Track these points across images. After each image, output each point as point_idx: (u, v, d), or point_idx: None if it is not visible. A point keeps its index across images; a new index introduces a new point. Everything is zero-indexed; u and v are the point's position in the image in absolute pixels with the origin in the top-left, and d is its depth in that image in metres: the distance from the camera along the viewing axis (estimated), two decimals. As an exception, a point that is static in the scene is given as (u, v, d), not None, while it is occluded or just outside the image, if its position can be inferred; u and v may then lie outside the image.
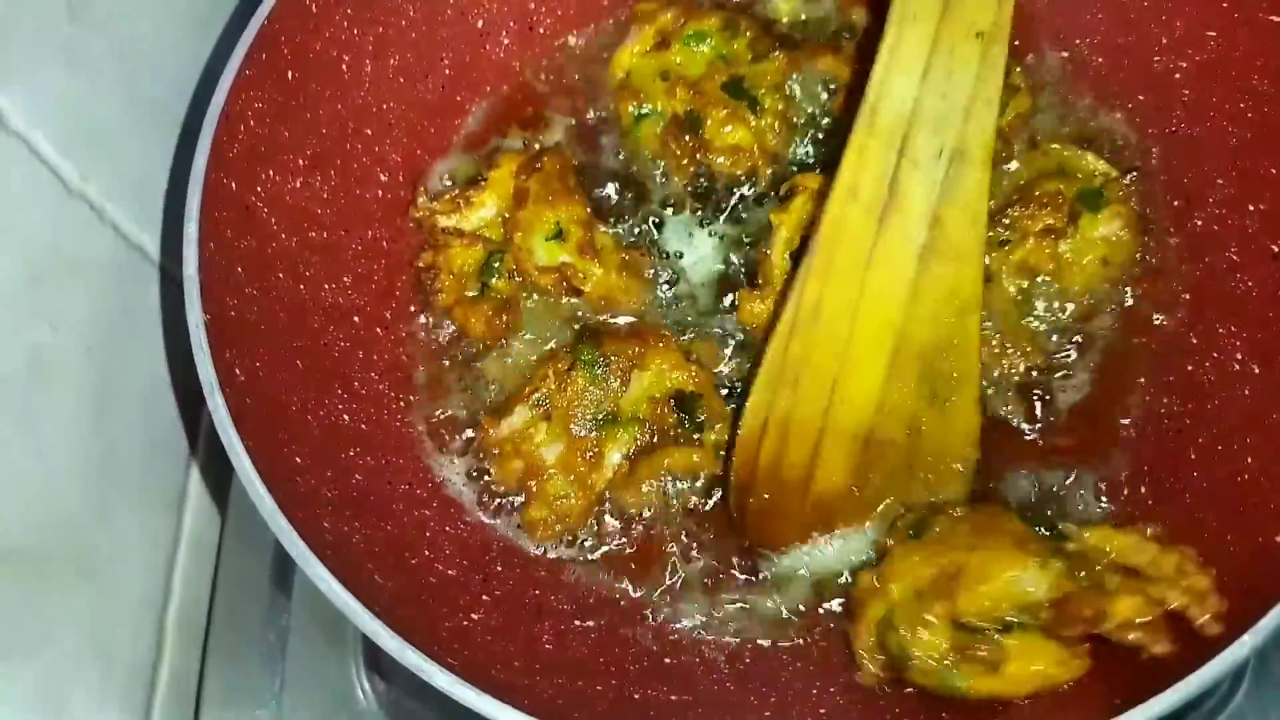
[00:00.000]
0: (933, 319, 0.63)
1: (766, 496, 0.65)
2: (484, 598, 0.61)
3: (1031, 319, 0.71)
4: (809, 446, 0.65)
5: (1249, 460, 0.59)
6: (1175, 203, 0.71)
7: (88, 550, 0.66)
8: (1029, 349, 0.70)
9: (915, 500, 0.65)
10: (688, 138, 0.75)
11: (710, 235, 0.76)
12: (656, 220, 0.76)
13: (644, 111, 0.77)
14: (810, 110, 0.77)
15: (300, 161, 0.68)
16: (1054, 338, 0.70)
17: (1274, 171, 0.65)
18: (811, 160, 0.77)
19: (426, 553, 0.62)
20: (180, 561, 0.75)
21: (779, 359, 0.64)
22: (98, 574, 0.66)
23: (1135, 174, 0.71)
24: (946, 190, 0.62)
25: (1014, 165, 0.73)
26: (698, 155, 0.75)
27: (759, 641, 0.64)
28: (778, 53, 0.76)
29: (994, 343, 0.69)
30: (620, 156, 0.79)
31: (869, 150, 0.63)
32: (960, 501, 0.64)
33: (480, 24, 0.79)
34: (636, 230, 0.76)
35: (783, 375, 0.64)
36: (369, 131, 0.73)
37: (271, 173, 0.65)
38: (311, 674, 0.73)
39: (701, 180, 0.76)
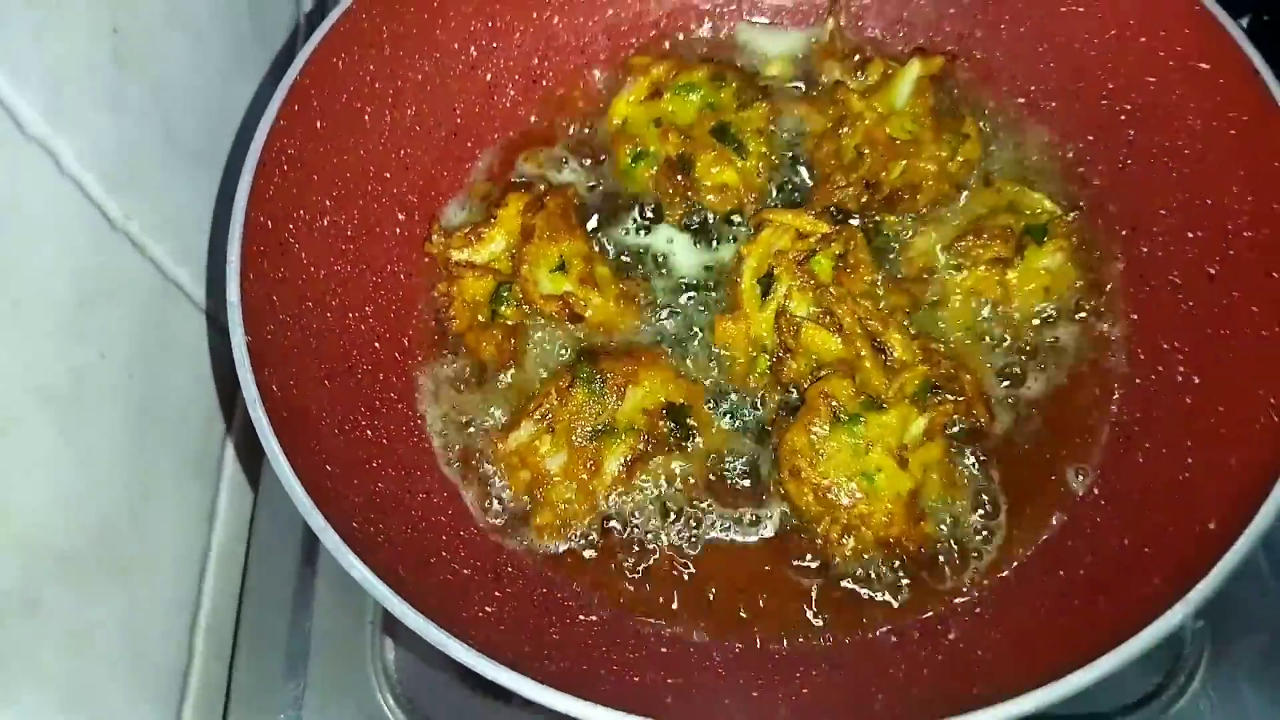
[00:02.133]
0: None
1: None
2: (496, 594, 0.67)
3: (986, 338, 0.78)
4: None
5: (1189, 460, 0.65)
6: (1123, 232, 0.78)
7: (125, 556, 0.71)
8: (986, 359, 0.76)
9: None
10: (680, 177, 0.82)
11: (697, 263, 0.83)
12: (651, 251, 0.84)
13: (639, 154, 0.84)
14: (788, 154, 0.85)
15: (327, 202, 0.75)
16: (1008, 356, 0.77)
17: (1209, 202, 0.72)
18: (791, 197, 0.84)
19: (444, 554, 0.68)
20: (210, 570, 0.80)
21: None
22: (133, 579, 0.71)
23: (1078, 212, 0.78)
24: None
25: (961, 203, 0.80)
26: (689, 193, 0.83)
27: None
28: (761, 102, 0.83)
29: (944, 365, 0.74)
30: (618, 196, 0.86)
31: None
32: None
33: (489, 78, 0.87)
34: (633, 258, 0.83)
35: None
36: (388, 175, 0.80)
37: (302, 212, 0.72)
38: (333, 681, 0.78)
39: (693, 215, 0.83)
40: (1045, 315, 0.78)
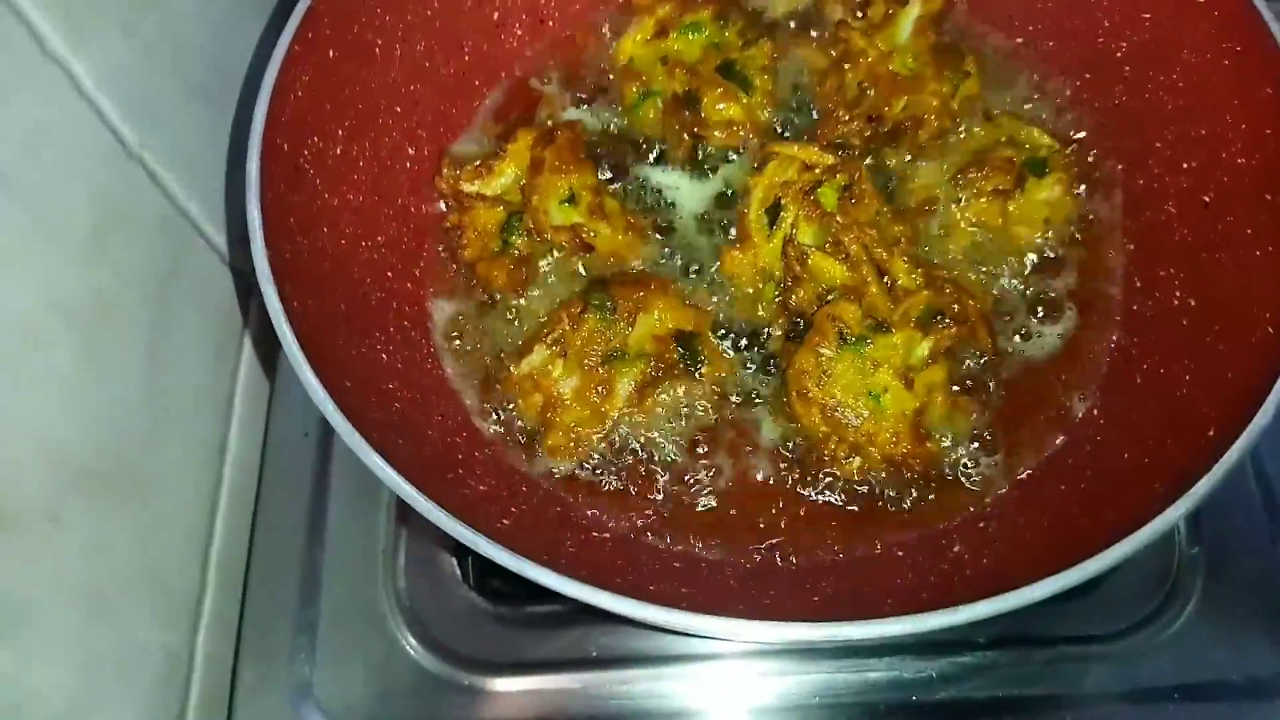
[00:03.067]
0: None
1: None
2: (512, 509, 0.68)
3: (988, 267, 0.80)
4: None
5: (1186, 378, 0.68)
6: (1119, 166, 0.80)
7: (141, 476, 0.72)
8: (981, 292, 0.78)
9: None
10: (686, 114, 0.83)
11: (705, 196, 0.84)
12: (656, 185, 0.85)
13: (646, 92, 0.85)
14: (793, 90, 0.86)
15: (340, 131, 0.75)
16: (1009, 283, 0.79)
17: (1203, 133, 0.74)
18: (788, 133, 0.86)
19: (460, 471, 0.69)
20: (223, 498, 0.81)
21: None
22: (149, 499, 0.72)
23: (1075, 146, 0.80)
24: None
25: (962, 137, 0.82)
26: (695, 129, 0.84)
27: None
28: (765, 40, 0.85)
29: (948, 291, 0.76)
30: (625, 132, 0.87)
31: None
32: None
33: (496, 16, 0.87)
34: (640, 193, 0.84)
35: None
36: (398, 109, 0.81)
37: (316, 139, 0.73)
38: (346, 609, 0.79)
39: (700, 150, 0.85)
40: (1046, 245, 0.80)
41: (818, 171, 0.76)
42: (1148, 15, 0.78)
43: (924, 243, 0.79)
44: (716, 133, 0.84)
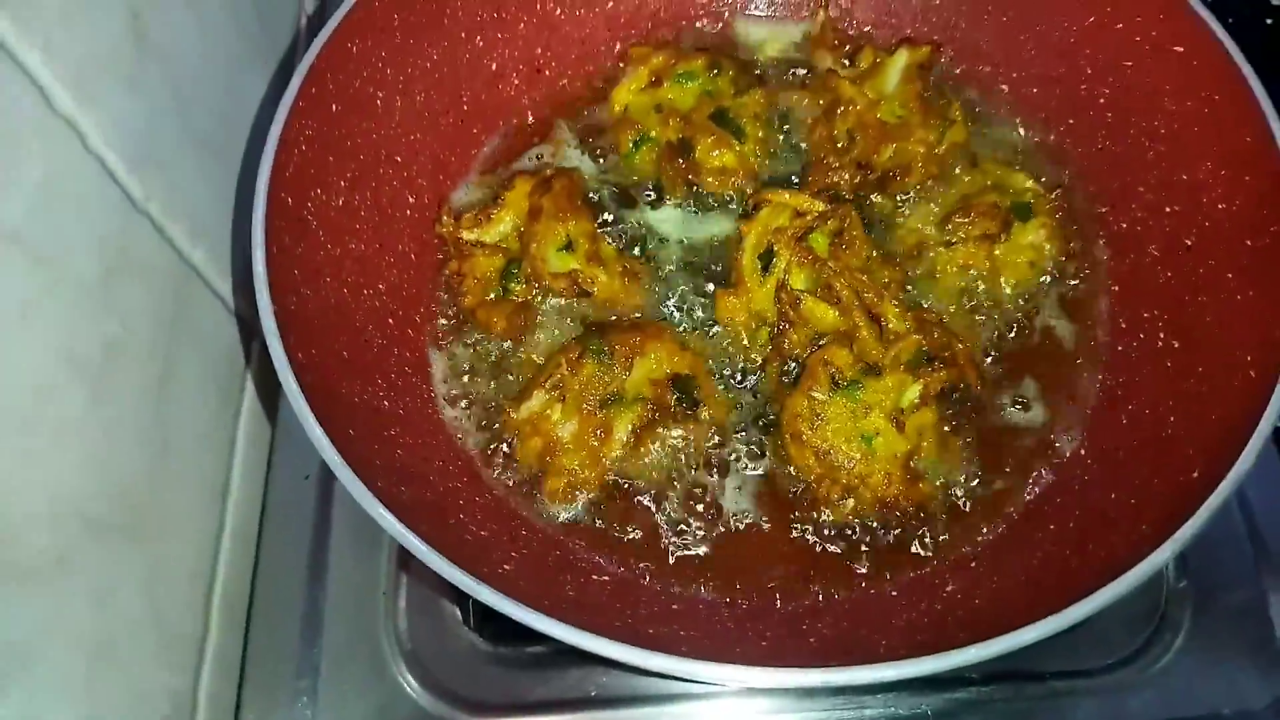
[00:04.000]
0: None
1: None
2: (513, 554, 0.69)
3: (976, 311, 0.82)
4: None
5: (1171, 419, 0.69)
6: (1103, 209, 0.82)
7: (145, 523, 0.72)
8: (975, 329, 0.80)
9: None
10: (681, 160, 0.85)
11: (699, 242, 0.86)
12: (652, 231, 0.87)
13: (641, 139, 0.87)
14: (784, 137, 0.88)
15: (342, 182, 0.77)
16: (997, 326, 0.81)
17: (1184, 178, 0.76)
18: (787, 179, 0.88)
19: (461, 516, 0.70)
20: (225, 543, 0.82)
21: None
22: (153, 545, 0.73)
23: (1060, 191, 0.82)
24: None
25: (949, 183, 0.84)
26: (690, 175, 0.86)
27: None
28: (757, 88, 0.87)
29: (937, 335, 0.77)
30: (621, 180, 0.89)
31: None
32: None
33: (494, 67, 0.90)
34: (636, 239, 0.86)
35: None
36: (399, 158, 0.83)
37: (319, 191, 0.75)
38: (347, 650, 0.80)
39: (694, 197, 0.87)
40: (1032, 288, 0.82)
41: (809, 218, 0.78)
42: (1129, 63, 0.80)
43: (913, 286, 0.81)
44: (710, 179, 0.86)
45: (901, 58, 0.84)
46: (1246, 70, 0.70)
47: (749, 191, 0.86)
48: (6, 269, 0.59)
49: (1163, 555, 0.56)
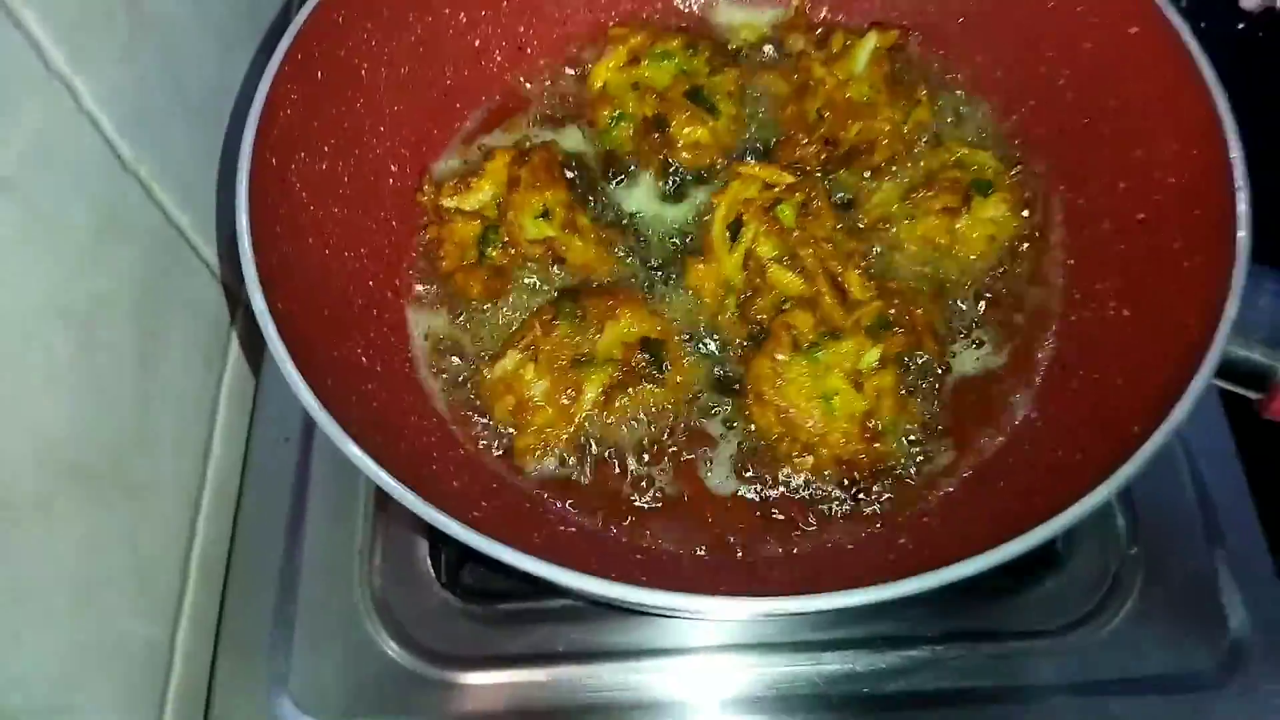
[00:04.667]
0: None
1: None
2: (484, 504, 0.72)
3: (937, 281, 0.84)
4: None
5: (1119, 382, 0.72)
6: (1061, 185, 0.85)
7: (130, 475, 0.75)
8: (930, 304, 0.83)
9: None
10: (656, 136, 0.88)
11: (671, 213, 0.89)
12: (627, 202, 0.90)
13: (618, 115, 0.90)
14: (756, 114, 0.91)
15: (325, 148, 0.79)
16: (956, 296, 0.84)
17: (1138, 155, 0.78)
18: (751, 155, 0.90)
19: (434, 468, 0.72)
20: (206, 500, 0.85)
21: None
22: (136, 497, 0.76)
23: (1020, 168, 0.85)
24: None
25: (914, 160, 0.87)
26: (664, 150, 0.88)
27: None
28: (731, 67, 0.90)
29: (898, 302, 0.80)
30: (598, 153, 0.92)
31: None
32: None
33: (477, 43, 0.92)
34: (612, 209, 0.89)
35: None
36: (382, 128, 0.85)
37: (303, 155, 0.77)
38: (322, 607, 0.82)
39: (668, 170, 0.89)
40: (992, 260, 0.84)
41: (777, 190, 0.80)
42: (1088, 45, 0.83)
43: (878, 257, 0.84)
44: (684, 154, 0.88)
45: (870, 40, 0.87)
46: (1195, 50, 0.73)
47: (721, 165, 0.88)
48: (4, 220, 0.62)
49: (1098, 497, 0.59)
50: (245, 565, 0.84)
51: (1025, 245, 0.85)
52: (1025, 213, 0.85)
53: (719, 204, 0.82)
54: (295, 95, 0.76)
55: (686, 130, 0.88)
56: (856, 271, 0.78)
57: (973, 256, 0.84)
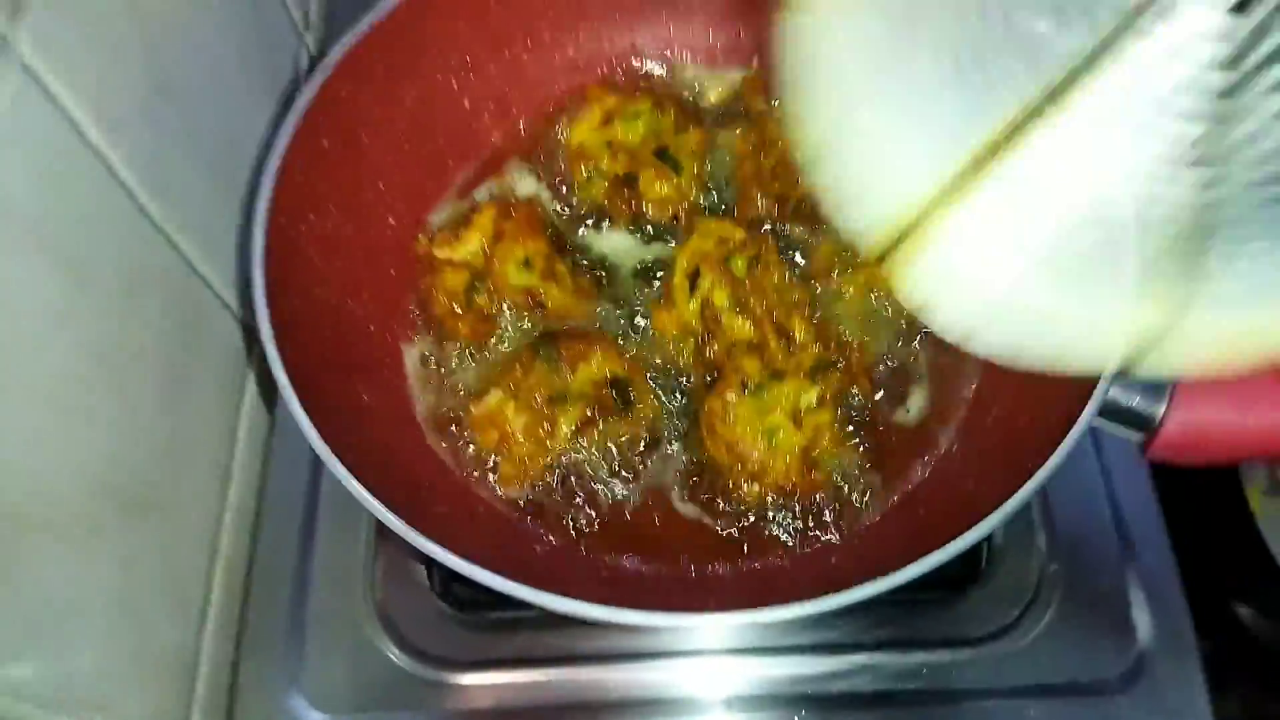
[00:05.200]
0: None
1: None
2: (469, 528, 0.82)
3: (875, 325, 0.94)
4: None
5: (1027, 418, 0.81)
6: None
7: (162, 496, 0.83)
8: (867, 346, 0.93)
9: None
10: (627, 191, 0.97)
11: (640, 259, 0.98)
12: (601, 252, 0.99)
13: (593, 171, 0.99)
14: (718, 171, 1.00)
15: (331, 208, 0.89)
16: (891, 339, 0.93)
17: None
18: (719, 208, 1.00)
19: (425, 494, 0.83)
20: (228, 517, 0.94)
21: None
22: (168, 516, 0.84)
23: None
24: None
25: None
26: (634, 204, 0.98)
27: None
28: (695, 128, 0.99)
29: (835, 347, 0.90)
30: (575, 206, 1.02)
31: None
32: None
33: (466, 105, 1.02)
34: (587, 259, 0.99)
35: None
36: (381, 186, 0.95)
37: (311, 216, 0.87)
38: (332, 616, 0.92)
39: (638, 222, 0.99)
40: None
41: (731, 244, 0.90)
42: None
43: (823, 304, 0.93)
44: (652, 208, 0.98)
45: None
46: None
47: (684, 218, 0.98)
48: (47, 282, 0.71)
49: (991, 523, 0.68)
50: (263, 576, 0.94)
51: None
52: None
53: (680, 256, 0.91)
54: (303, 163, 0.85)
55: (654, 186, 0.97)
56: (800, 319, 0.87)
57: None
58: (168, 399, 0.86)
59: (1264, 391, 0.70)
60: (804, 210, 0.95)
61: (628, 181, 0.98)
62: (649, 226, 0.99)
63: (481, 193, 1.03)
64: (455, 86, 1.00)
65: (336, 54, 0.89)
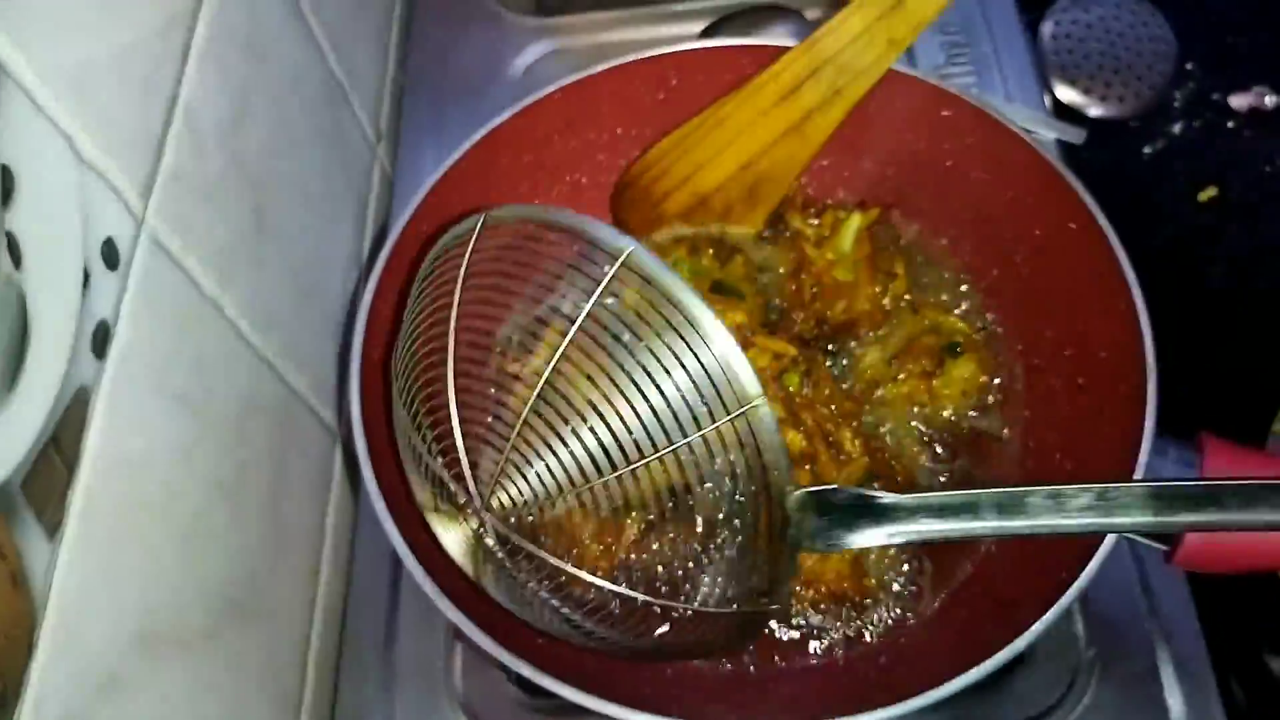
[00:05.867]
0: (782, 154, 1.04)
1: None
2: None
3: (918, 435, 1.01)
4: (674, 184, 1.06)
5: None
6: (1019, 347, 1.01)
7: (266, 601, 0.93)
8: (916, 449, 0.99)
9: None
10: None
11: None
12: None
13: None
14: (767, 289, 1.07)
15: (407, 339, 0.98)
16: (933, 448, 1.00)
17: (1079, 329, 0.94)
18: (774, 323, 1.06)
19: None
20: (318, 614, 1.04)
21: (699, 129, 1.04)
22: (270, 618, 0.93)
23: (984, 332, 1.01)
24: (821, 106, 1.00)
25: (895, 327, 1.03)
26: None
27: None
28: (737, 255, 1.05)
29: (881, 458, 0.97)
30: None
31: (798, 62, 0.98)
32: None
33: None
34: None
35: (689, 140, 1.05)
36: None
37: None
38: (414, 702, 1.01)
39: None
40: (964, 413, 1.01)
41: (785, 360, 0.98)
42: (1038, 231, 0.99)
43: (870, 415, 1.00)
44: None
45: (855, 220, 1.04)
46: (1120, 253, 0.89)
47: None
48: (177, 425, 0.80)
49: (1024, 641, 0.75)
50: (352, 666, 1.03)
51: (992, 400, 1.01)
52: (992, 372, 1.01)
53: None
54: (384, 306, 0.94)
55: (726, 317, 1.01)
56: (849, 432, 0.94)
57: (949, 410, 1.00)
58: (271, 508, 0.96)
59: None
60: (843, 330, 1.02)
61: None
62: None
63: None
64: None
65: (419, 195, 0.98)
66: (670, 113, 1.10)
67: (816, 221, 1.07)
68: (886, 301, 1.03)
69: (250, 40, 0.98)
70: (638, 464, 0.76)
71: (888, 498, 0.74)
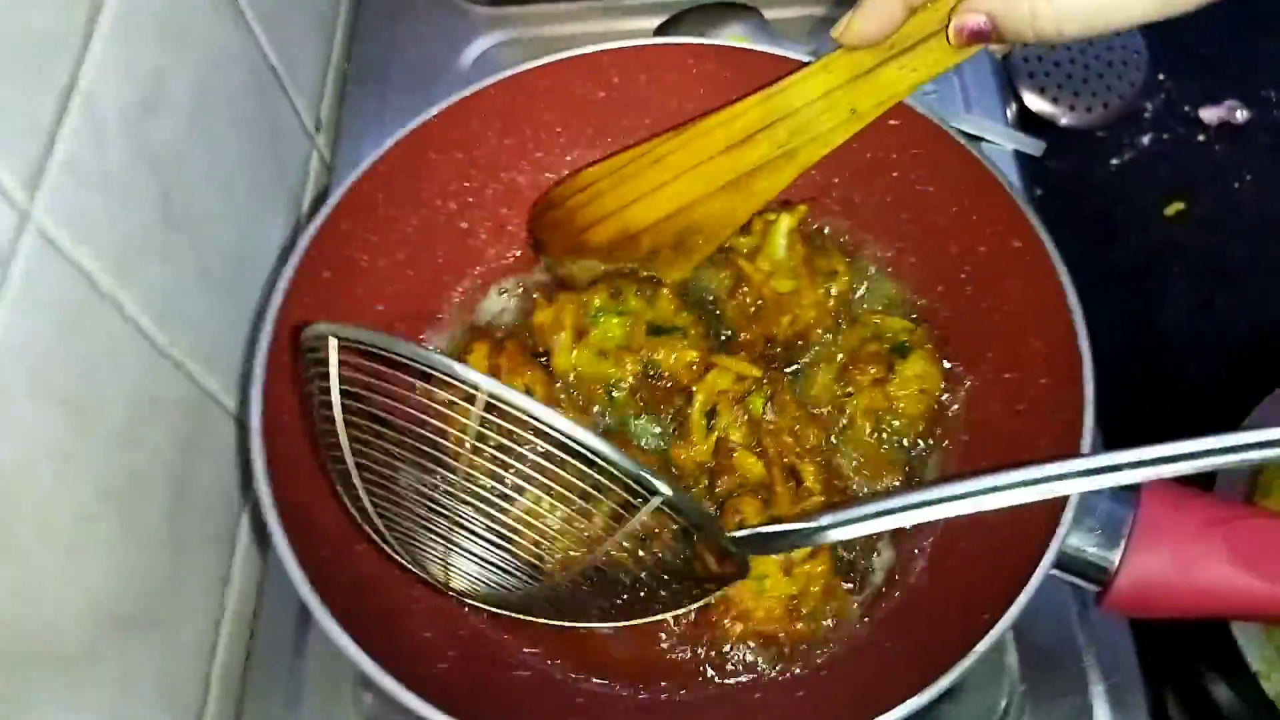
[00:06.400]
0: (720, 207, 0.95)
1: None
2: (450, 653, 0.84)
3: (884, 447, 0.97)
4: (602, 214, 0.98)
5: (991, 561, 0.84)
6: (959, 368, 0.98)
7: (164, 615, 0.87)
8: (888, 469, 0.96)
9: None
10: (653, 381, 0.95)
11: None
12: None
13: (611, 388, 0.96)
14: (712, 310, 1.02)
15: (331, 335, 0.94)
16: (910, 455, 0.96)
17: (1020, 352, 0.91)
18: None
19: (411, 621, 0.86)
20: (225, 627, 0.99)
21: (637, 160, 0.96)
22: (169, 632, 0.88)
23: (926, 325, 0.98)
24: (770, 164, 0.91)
25: (839, 340, 1.00)
26: (669, 385, 0.96)
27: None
28: (661, 288, 0.97)
29: (865, 471, 0.94)
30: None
31: (752, 112, 0.91)
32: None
33: (464, 225, 1.05)
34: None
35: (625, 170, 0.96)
36: (379, 308, 0.99)
37: (310, 346, 0.91)
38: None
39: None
40: (928, 413, 0.97)
41: (748, 382, 0.93)
42: (983, 249, 0.95)
43: (836, 439, 0.96)
44: (684, 378, 0.96)
45: (783, 222, 0.99)
46: (1063, 272, 0.85)
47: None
48: (53, 427, 0.75)
49: (948, 680, 0.71)
50: (259, 680, 0.98)
51: (938, 418, 0.97)
52: (946, 363, 0.97)
53: (698, 394, 0.93)
54: (306, 299, 0.89)
55: (674, 359, 0.95)
56: (810, 464, 0.90)
57: (913, 414, 0.95)
58: (170, 517, 0.90)
59: (1207, 551, 0.72)
60: (793, 345, 0.98)
61: (652, 373, 0.96)
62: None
63: (478, 313, 1.06)
64: (454, 208, 1.04)
65: (339, 192, 0.93)
66: (612, 111, 1.06)
67: (745, 236, 1.02)
68: (832, 304, 0.98)
69: (167, 23, 0.92)
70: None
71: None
